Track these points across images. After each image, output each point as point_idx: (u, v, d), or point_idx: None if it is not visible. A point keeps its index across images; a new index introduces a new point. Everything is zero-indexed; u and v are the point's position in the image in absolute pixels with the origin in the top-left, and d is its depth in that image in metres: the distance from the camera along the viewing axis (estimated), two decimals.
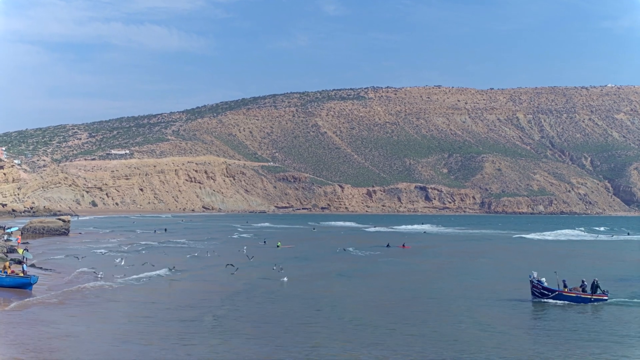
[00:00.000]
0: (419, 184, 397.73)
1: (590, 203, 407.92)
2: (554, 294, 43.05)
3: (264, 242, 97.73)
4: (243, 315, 36.48)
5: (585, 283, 43.73)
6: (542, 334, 33.16)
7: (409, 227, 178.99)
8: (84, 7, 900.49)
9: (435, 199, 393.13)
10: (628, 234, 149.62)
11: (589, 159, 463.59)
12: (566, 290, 43.37)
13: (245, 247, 71.96)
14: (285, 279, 51.86)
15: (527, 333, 33.61)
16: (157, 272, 55.03)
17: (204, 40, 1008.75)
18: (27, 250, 61.66)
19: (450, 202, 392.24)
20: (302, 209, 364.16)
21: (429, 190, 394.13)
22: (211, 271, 57.97)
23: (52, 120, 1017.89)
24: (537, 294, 43.54)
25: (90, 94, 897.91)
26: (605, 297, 43.01)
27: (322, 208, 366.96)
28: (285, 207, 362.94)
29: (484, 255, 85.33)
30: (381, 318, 36.12)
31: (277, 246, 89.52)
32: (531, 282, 44.07)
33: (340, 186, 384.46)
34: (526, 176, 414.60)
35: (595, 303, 42.48)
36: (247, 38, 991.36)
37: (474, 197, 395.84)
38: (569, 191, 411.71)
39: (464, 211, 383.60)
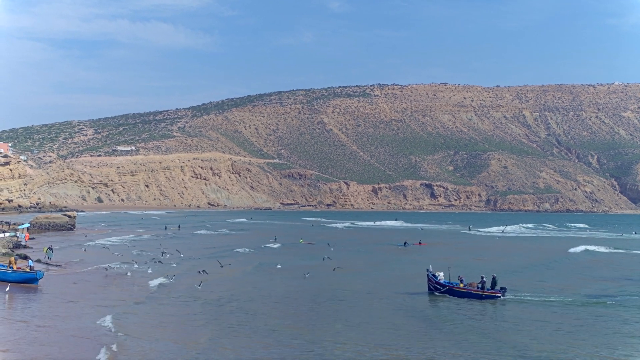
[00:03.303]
0: (425, 181, 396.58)
1: (596, 201, 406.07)
2: (444, 289, 43.78)
3: (275, 239, 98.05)
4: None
5: (485, 279, 43.59)
6: (399, 327, 33.36)
7: (380, 223, 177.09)
8: (89, 4, 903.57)
9: (440, 196, 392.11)
10: (634, 233, 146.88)
11: (596, 156, 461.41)
12: (462, 285, 43.68)
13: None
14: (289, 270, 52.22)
15: (391, 326, 33.64)
16: (168, 266, 54.99)
17: (210, 37, 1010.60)
18: (52, 250, 61.06)
19: (455, 200, 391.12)
20: (308, 205, 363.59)
21: (435, 187, 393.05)
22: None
23: (58, 116, 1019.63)
24: (431, 287, 44.59)
25: (96, 90, 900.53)
26: (498, 295, 42.50)
27: (328, 205, 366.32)
28: (291, 204, 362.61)
29: (423, 250, 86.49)
30: (271, 314, 35.97)
31: (300, 241, 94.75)
32: (427, 275, 44.99)
33: (346, 183, 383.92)
34: (532, 174, 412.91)
35: (487, 300, 42.14)
36: (253, 35, 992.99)
37: (479, 195, 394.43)
38: (575, 189, 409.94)
39: (470, 209, 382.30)
